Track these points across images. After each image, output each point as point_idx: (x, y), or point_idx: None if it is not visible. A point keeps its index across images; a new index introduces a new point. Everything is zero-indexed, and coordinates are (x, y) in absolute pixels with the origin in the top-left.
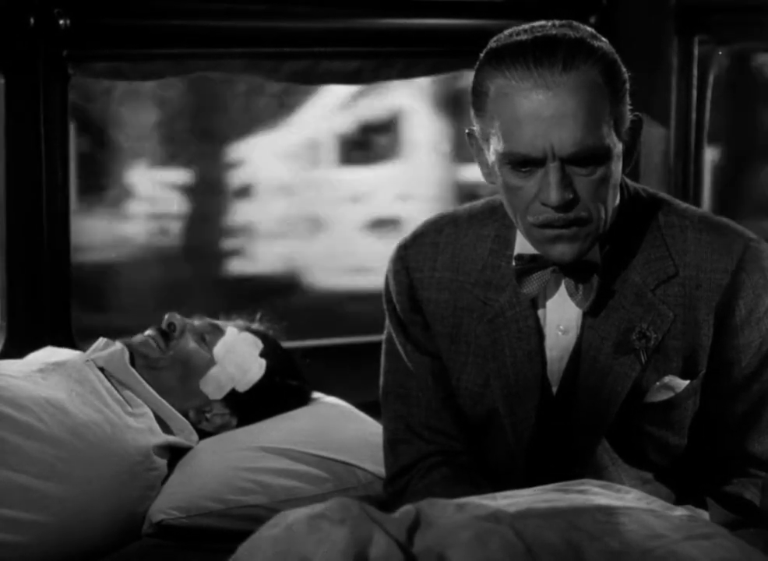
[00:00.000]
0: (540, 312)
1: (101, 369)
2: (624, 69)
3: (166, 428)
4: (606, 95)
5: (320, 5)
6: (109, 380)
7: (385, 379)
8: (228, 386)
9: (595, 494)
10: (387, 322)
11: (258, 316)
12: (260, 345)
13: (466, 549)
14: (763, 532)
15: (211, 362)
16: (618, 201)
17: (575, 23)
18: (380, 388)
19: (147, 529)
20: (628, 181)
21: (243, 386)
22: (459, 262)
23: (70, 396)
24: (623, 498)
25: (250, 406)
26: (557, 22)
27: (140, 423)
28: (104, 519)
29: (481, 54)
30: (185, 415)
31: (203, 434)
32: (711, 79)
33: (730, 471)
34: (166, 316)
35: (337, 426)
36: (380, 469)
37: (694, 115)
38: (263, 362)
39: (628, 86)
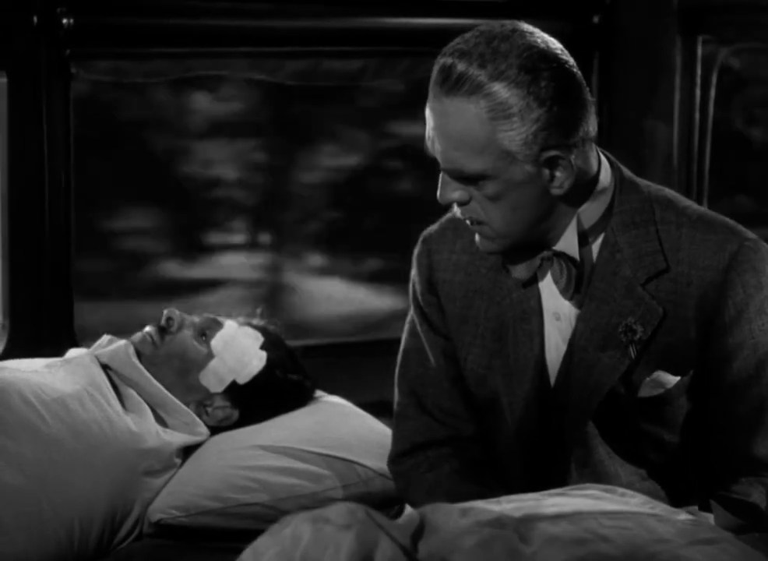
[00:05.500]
0: (543, 296)
1: (105, 367)
2: (544, 106)
3: (169, 423)
4: (489, 130)
5: (322, 5)
6: (111, 379)
7: (403, 357)
8: (228, 378)
9: (599, 498)
10: (410, 302)
11: (258, 312)
12: (261, 338)
13: (470, 555)
14: None
15: (209, 356)
16: (529, 221)
17: (517, 33)
18: (397, 365)
19: (147, 529)
20: (630, 174)
21: (243, 378)
22: (478, 247)
23: (73, 391)
24: (627, 502)
25: (251, 398)
26: (506, 27)
27: (139, 423)
28: (103, 520)
29: None
30: None
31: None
32: (714, 78)
33: (735, 473)
34: (165, 312)
35: (336, 423)
36: (380, 465)
37: (697, 115)
38: (264, 355)
39: (544, 119)
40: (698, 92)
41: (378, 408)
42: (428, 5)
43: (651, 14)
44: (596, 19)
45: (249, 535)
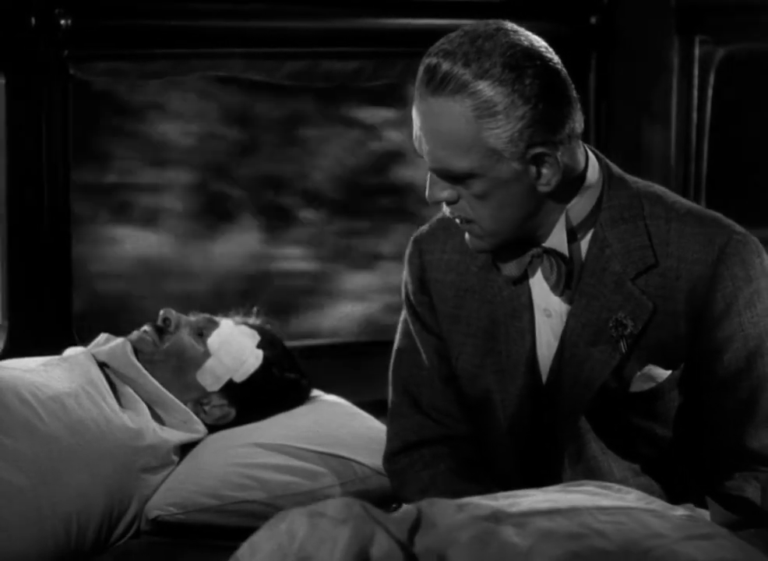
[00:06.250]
0: (534, 293)
1: (102, 365)
2: (529, 103)
3: (167, 421)
4: (475, 128)
5: (320, 5)
6: (108, 377)
7: (396, 357)
8: (225, 376)
9: (596, 494)
10: (403, 302)
11: (255, 311)
12: (257, 337)
13: (466, 549)
14: (764, 532)
15: (206, 355)
16: (517, 219)
17: (501, 31)
18: (391, 364)
19: (145, 526)
20: (618, 170)
21: (240, 377)
22: (468, 246)
23: (70, 390)
24: (623, 498)
25: (248, 397)
26: (490, 26)
27: (137, 420)
28: (101, 516)
29: None
30: None
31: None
32: (712, 78)
33: (729, 466)
34: (161, 312)
35: (333, 421)
36: (377, 462)
37: (695, 116)
38: (260, 353)
39: (529, 116)
40: (695, 92)
41: (378, 408)
42: (424, 5)
43: (648, 15)
44: (593, 20)
45: (246, 532)
